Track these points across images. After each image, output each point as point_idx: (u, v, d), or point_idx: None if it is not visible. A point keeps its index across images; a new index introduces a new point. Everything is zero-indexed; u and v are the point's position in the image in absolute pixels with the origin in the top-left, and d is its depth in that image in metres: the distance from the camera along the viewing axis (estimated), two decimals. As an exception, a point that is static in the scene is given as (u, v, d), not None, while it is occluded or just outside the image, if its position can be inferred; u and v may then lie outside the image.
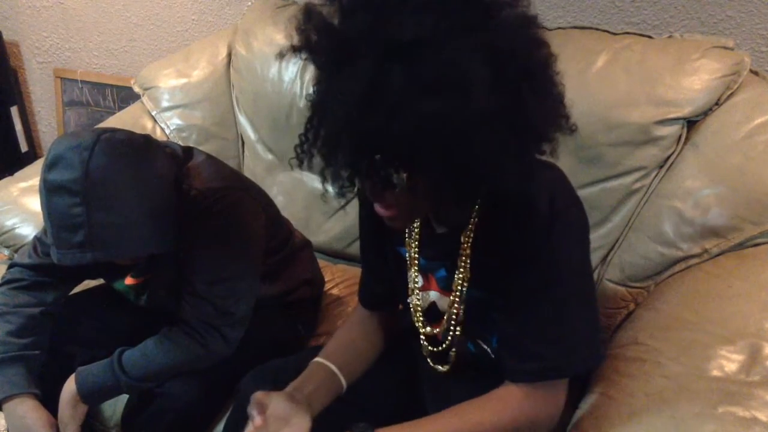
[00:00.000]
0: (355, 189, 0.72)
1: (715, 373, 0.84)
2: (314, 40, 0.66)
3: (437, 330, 0.93)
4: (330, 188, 0.70)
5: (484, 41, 0.61)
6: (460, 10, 0.61)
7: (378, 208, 0.76)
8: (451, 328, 0.90)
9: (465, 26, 0.61)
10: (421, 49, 0.59)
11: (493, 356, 0.90)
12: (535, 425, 0.82)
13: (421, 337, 0.96)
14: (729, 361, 0.85)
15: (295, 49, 0.69)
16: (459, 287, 0.86)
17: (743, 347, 0.86)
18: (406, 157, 0.65)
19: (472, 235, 0.83)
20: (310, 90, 0.71)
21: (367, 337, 1.04)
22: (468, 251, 0.84)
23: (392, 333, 1.07)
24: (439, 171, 0.65)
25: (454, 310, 0.88)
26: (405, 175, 0.67)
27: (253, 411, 0.85)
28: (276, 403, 0.86)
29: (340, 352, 1.00)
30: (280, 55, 0.73)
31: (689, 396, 0.82)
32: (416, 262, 0.92)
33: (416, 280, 0.93)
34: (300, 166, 0.73)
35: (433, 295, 0.93)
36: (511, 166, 0.66)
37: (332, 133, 0.65)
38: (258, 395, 0.86)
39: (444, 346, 0.93)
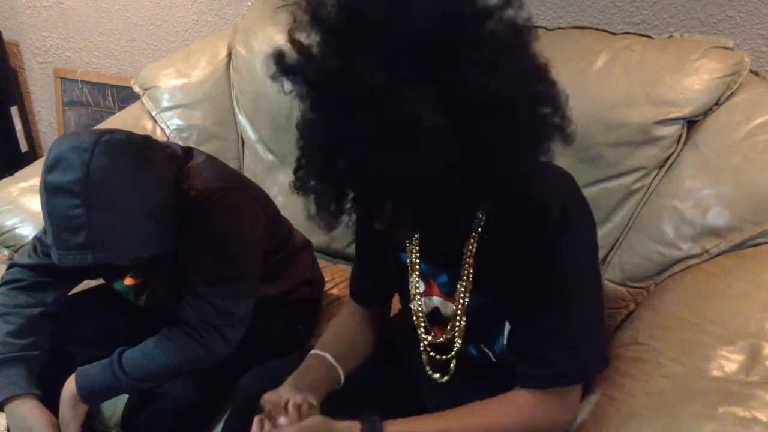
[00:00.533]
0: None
1: (715, 373, 0.84)
2: (295, 81, 0.66)
3: (441, 339, 0.92)
4: (318, 224, 0.70)
5: (439, 88, 0.58)
6: (421, 54, 0.58)
7: (376, 225, 0.76)
8: (456, 337, 0.90)
9: (422, 74, 0.58)
10: (381, 98, 0.58)
11: (494, 360, 0.90)
12: (549, 430, 0.81)
13: (424, 344, 0.95)
14: (729, 361, 0.85)
15: (278, 74, 0.67)
16: (463, 296, 0.86)
17: (743, 347, 0.86)
18: (379, 198, 0.65)
19: (476, 243, 0.82)
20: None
21: (361, 332, 1.04)
22: (471, 260, 0.83)
23: (383, 329, 1.06)
24: (410, 211, 0.65)
25: (458, 319, 0.88)
26: (390, 202, 0.66)
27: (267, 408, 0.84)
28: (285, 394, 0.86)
29: (337, 345, 1.00)
30: (274, 77, 0.71)
31: (689, 396, 0.82)
32: (417, 267, 0.91)
33: (417, 285, 0.93)
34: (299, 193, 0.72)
35: (436, 300, 0.92)
36: (485, 195, 0.65)
37: (308, 173, 0.67)
38: (268, 396, 0.86)
39: (449, 355, 0.93)
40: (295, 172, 0.71)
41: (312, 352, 0.98)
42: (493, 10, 0.62)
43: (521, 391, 0.82)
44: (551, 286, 0.78)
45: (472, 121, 0.59)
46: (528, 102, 0.64)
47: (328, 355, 0.96)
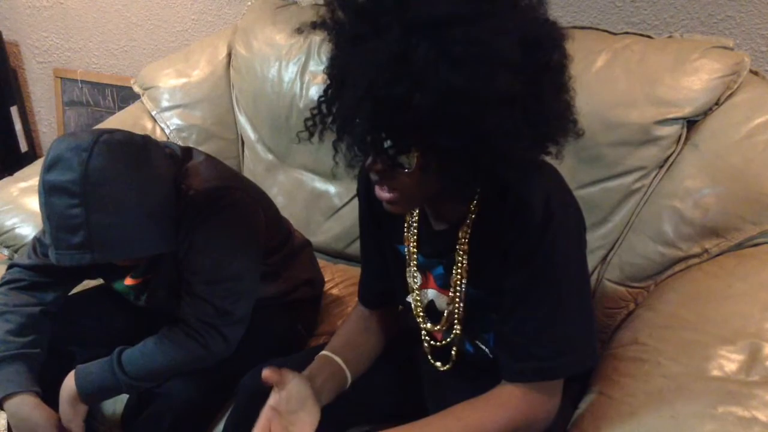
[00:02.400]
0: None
1: (715, 373, 0.84)
2: (340, 15, 0.68)
3: (437, 328, 0.93)
4: (340, 162, 0.71)
5: (515, 26, 0.63)
6: None
7: (379, 192, 0.77)
8: (454, 326, 0.90)
9: (496, 10, 0.63)
10: (452, 25, 0.61)
11: (491, 356, 0.90)
12: (532, 425, 0.82)
13: (423, 333, 0.96)
14: (729, 361, 0.85)
15: (317, 25, 0.69)
16: (458, 284, 0.86)
17: (743, 347, 0.86)
18: (422, 130, 0.66)
19: (469, 231, 0.83)
20: (321, 68, 0.72)
21: (369, 335, 1.04)
22: (465, 248, 0.84)
23: (392, 332, 1.07)
24: (451, 149, 0.66)
25: (455, 308, 0.88)
26: (417, 154, 0.69)
27: (273, 376, 0.84)
28: (297, 383, 0.86)
29: (345, 348, 1.00)
30: (299, 31, 0.72)
31: (689, 396, 0.82)
32: (415, 257, 0.92)
33: (415, 277, 0.93)
34: (310, 138, 0.73)
35: (431, 293, 0.93)
36: (519, 155, 0.68)
37: (353, 102, 0.66)
38: (283, 370, 0.86)
39: (444, 342, 0.93)
40: (317, 108, 0.72)
41: (322, 353, 0.98)
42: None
43: (507, 386, 0.82)
44: (536, 279, 0.78)
45: (533, 71, 0.64)
46: (567, 79, 0.70)
47: (337, 358, 0.97)
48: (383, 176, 0.74)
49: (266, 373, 0.84)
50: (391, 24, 0.62)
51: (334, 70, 0.70)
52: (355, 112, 0.66)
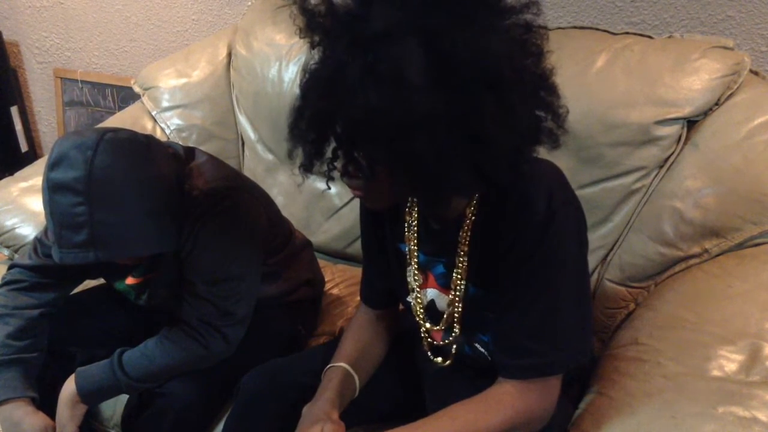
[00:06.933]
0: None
1: (715, 373, 0.84)
2: (318, 18, 0.69)
3: (436, 328, 0.93)
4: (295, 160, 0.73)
5: (432, 44, 0.61)
6: (427, 11, 0.62)
7: (350, 183, 0.78)
8: (454, 326, 0.90)
9: (422, 28, 0.61)
10: (380, 43, 0.61)
11: (490, 359, 0.90)
12: (530, 421, 0.82)
13: (422, 331, 0.96)
14: (729, 361, 0.85)
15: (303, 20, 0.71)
16: (459, 284, 0.86)
17: (743, 347, 0.86)
18: (355, 144, 0.67)
19: (469, 231, 0.83)
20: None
21: (378, 340, 1.04)
22: (466, 248, 0.84)
23: (395, 331, 1.07)
24: (387, 164, 0.67)
25: (456, 308, 0.88)
26: (364, 161, 0.69)
27: None
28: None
29: (355, 354, 0.99)
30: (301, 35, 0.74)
31: (689, 396, 0.82)
32: (416, 256, 0.92)
33: (416, 276, 0.93)
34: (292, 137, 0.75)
35: (432, 293, 0.93)
36: (458, 172, 0.66)
37: (298, 107, 0.69)
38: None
39: (444, 342, 0.93)
40: (291, 122, 0.73)
41: (331, 366, 0.97)
42: (514, 6, 0.66)
43: (504, 383, 0.82)
44: (534, 276, 0.78)
45: (461, 91, 0.62)
46: (522, 95, 0.66)
47: (348, 366, 0.96)
48: (343, 174, 0.75)
49: None
50: (340, 36, 0.64)
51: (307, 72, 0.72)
52: (297, 116, 0.69)
